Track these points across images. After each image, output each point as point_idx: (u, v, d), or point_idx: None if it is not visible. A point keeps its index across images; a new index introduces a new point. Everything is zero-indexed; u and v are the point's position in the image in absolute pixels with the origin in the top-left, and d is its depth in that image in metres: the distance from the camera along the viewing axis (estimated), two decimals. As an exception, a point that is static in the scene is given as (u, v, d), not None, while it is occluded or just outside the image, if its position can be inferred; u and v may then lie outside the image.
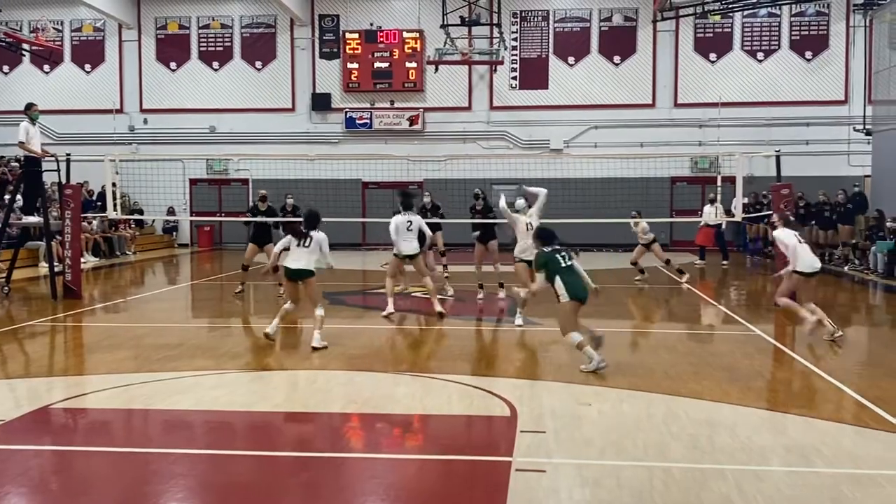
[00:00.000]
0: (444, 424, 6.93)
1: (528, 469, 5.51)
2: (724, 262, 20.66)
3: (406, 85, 27.45)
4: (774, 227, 11.41)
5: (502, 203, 11.86)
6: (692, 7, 24.17)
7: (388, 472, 5.70)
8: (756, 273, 20.09)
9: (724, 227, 20.83)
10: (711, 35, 26.97)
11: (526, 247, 10.77)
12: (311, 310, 10.01)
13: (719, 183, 17.23)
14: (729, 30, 26.86)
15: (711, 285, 17.60)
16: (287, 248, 10.12)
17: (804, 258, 10.31)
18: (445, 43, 23.22)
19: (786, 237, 10.53)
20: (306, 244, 9.98)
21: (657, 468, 5.58)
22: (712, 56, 26.94)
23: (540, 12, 27.41)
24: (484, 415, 7.10)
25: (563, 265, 8.63)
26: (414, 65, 27.25)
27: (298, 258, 9.94)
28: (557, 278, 8.57)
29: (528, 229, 10.83)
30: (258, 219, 14.94)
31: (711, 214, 19.47)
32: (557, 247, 8.80)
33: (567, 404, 7.29)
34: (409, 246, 12.16)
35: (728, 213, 18.72)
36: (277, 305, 11.79)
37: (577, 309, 8.56)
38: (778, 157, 15.13)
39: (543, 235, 9.02)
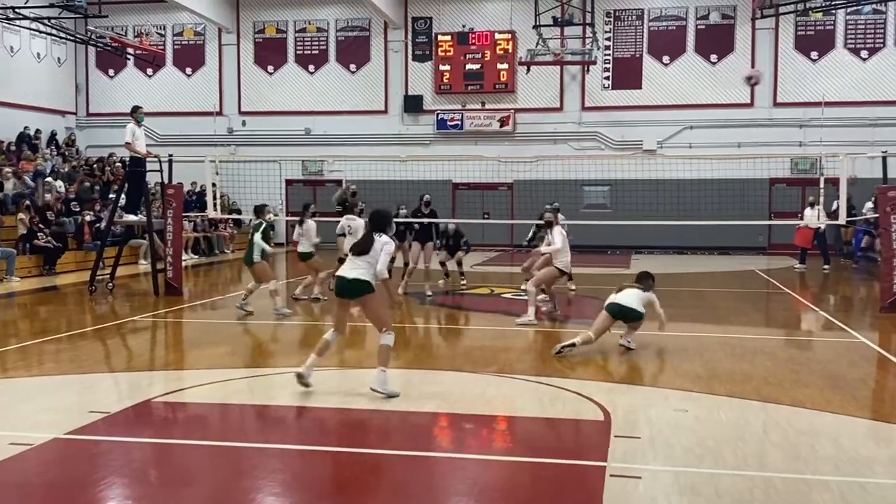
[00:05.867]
0: (536, 427, 6.86)
1: (624, 475, 5.41)
2: (826, 267, 19.97)
3: (497, 86, 27.41)
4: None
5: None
6: (793, 4, 23.49)
7: (479, 472, 5.67)
8: (860, 278, 19.35)
9: (822, 229, 20.08)
10: (813, 33, 26.12)
11: None
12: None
13: (822, 185, 16.70)
14: (831, 27, 25.96)
15: (812, 290, 17.04)
16: None
17: None
18: (538, 44, 23.10)
19: None
20: None
21: (758, 478, 5.41)
22: (814, 54, 26.09)
23: (634, 11, 27.01)
24: (576, 418, 7.01)
25: None
26: (505, 66, 27.20)
27: None
28: None
29: None
30: None
31: (813, 217, 18.86)
32: None
33: (662, 410, 7.15)
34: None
35: (829, 215, 18.09)
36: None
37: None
38: (884, 159, 14.61)
39: None
